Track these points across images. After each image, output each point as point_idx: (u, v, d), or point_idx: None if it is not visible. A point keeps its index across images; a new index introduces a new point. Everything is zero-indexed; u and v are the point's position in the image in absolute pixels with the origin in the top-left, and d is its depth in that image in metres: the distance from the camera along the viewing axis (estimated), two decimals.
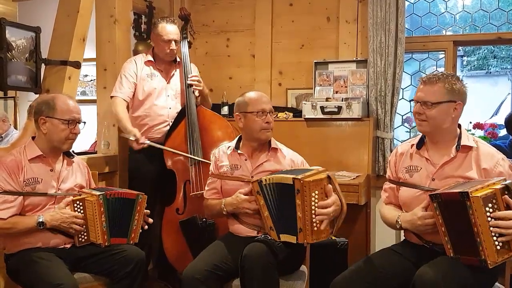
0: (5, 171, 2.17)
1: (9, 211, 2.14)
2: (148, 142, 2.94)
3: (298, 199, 2.03)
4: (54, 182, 2.28)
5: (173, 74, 3.20)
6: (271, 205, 2.16)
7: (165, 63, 3.18)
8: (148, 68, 3.12)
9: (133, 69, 3.08)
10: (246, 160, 2.41)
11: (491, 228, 1.70)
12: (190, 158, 2.98)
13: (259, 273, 2.05)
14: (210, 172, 2.52)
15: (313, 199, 2.02)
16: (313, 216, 2.03)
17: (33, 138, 2.32)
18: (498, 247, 1.70)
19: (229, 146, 2.48)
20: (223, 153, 2.48)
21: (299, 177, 2.03)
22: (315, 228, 2.03)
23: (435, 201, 1.84)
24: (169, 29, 3.06)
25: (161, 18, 3.17)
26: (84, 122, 2.35)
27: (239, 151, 2.43)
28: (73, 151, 2.44)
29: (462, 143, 2.00)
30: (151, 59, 3.14)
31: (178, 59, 3.22)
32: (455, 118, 2.02)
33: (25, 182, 2.19)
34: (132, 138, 2.90)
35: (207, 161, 2.89)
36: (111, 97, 3.07)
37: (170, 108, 3.13)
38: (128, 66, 3.10)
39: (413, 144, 2.14)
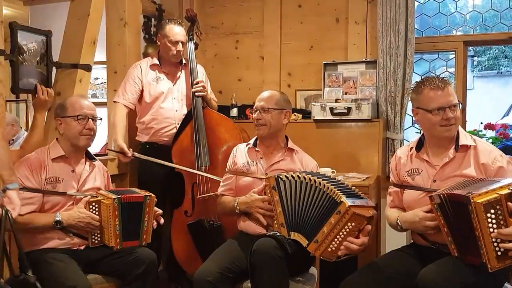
0: (28, 169, 2.24)
1: (27, 208, 2.17)
2: (136, 154, 2.95)
3: (334, 219, 1.96)
4: (74, 183, 2.33)
5: (179, 76, 3.20)
6: (287, 202, 2.13)
7: (171, 65, 3.18)
8: (153, 72, 3.13)
9: (138, 74, 3.09)
10: (261, 158, 2.47)
11: (492, 235, 1.67)
12: (192, 172, 2.98)
13: (268, 267, 2.04)
14: (226, 168, 2.57)
15: (346, 227, 1.96)
16: (335, 239, 1.98)
17: (57, 139, 2.39)
18: (499, 253, 1.69)
19: (248, 143, 2.56)
20: (241, 150, 2.56)
21: (348, 202, 1.94)
22: (329, 249, 1.99)
23: (435, 202, 1.85)
24: (176, 31, 3.07)
25: (168, 19, 3.18)
26: (100, 119, 2.42)
27: (256, 148, 2.49)
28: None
29: (460, 143, 2.02)
30: (157, 62, 3.14)
31: (184, 61, 3.23)
32: None
33: (46, 181, 2.25)
34: (118, 150, 2.93)
35: (210, 176, 2.93)
36: (114, 101, 3.09)
37: (176, 111, 3.14)
38: (132, 71, 3.11)
39: (412, 147, 2.15)
